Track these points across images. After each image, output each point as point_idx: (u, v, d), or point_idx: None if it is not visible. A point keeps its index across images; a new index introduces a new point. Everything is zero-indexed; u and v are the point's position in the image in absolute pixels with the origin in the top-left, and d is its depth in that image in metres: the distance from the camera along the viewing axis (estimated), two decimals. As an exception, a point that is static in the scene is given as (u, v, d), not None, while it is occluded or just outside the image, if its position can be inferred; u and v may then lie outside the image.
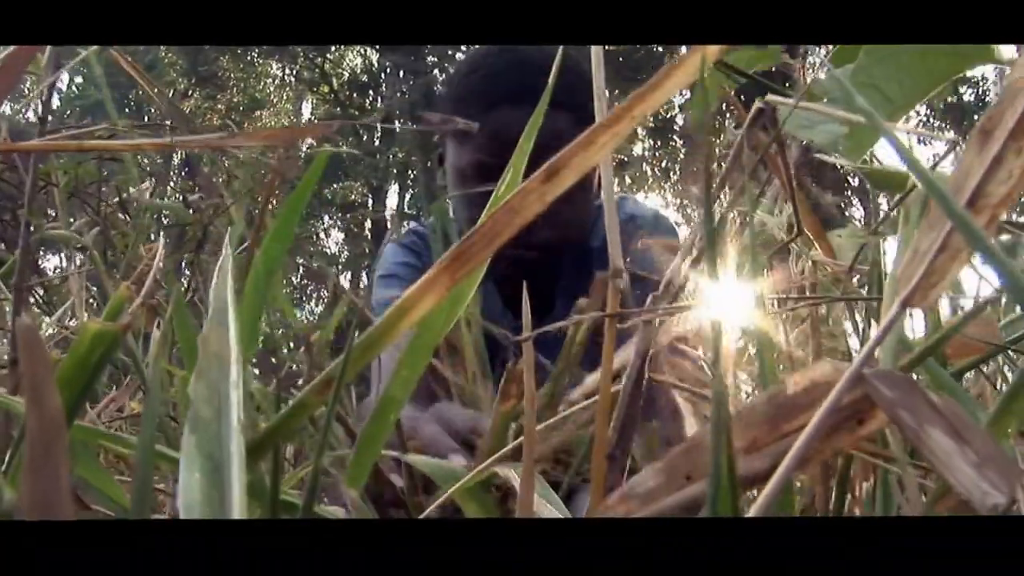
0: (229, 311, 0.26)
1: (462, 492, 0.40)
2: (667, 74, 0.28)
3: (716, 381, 0.23)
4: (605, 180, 0.32)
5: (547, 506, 0.35)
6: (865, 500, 0.41)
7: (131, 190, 1.04)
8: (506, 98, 1.02)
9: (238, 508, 0.22)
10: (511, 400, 0.49)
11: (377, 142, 11.39)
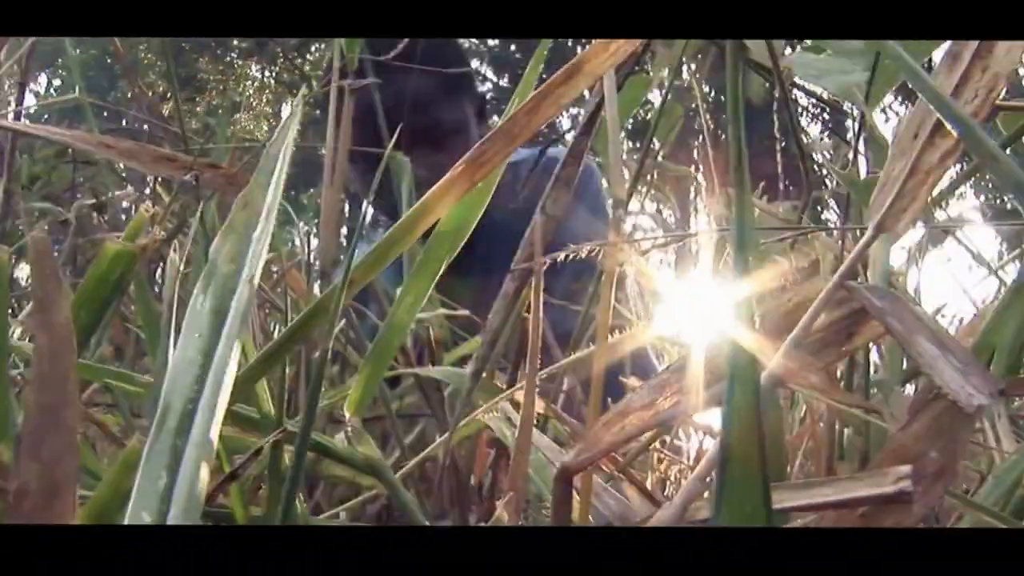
0: (276, 172, 0.26)
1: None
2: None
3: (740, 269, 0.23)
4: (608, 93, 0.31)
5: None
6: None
7: (109, 194, 1.03)
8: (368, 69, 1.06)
9: (229, 372, 0.22)
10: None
11: (357, 146, 11.28)
